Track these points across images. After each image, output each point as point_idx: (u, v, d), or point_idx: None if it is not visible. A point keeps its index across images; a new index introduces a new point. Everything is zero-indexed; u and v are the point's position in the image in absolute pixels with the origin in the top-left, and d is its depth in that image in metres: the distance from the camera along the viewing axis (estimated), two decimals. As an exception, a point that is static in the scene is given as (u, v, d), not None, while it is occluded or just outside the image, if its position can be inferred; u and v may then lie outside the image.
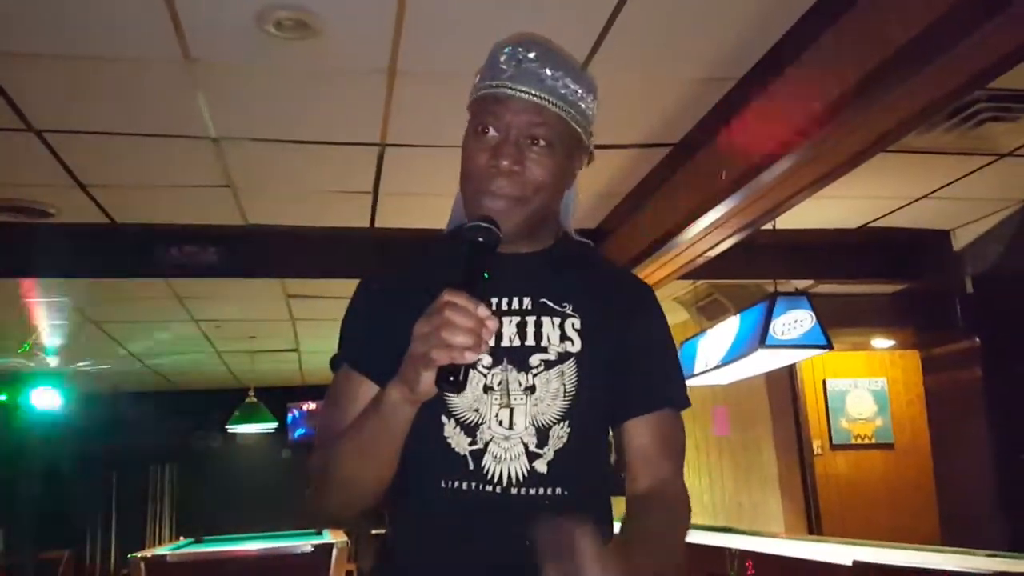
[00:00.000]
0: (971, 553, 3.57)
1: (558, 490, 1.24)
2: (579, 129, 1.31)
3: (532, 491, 1.23)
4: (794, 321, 4.24)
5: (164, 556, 5.87)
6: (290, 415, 10.38)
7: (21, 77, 2.98)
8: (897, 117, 2.67)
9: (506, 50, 1.30)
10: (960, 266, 5.28)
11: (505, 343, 1.27)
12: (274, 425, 8.87)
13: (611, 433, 1.38)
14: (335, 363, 1.36)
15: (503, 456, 1.24)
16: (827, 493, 6.46)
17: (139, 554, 5.86)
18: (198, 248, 4.60)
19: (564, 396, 1.27)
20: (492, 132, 1.27)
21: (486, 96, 1.29)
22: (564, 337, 1.29)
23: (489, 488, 1.23)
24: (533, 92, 1.26)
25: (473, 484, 1.23)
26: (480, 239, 1.17)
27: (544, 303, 1.30)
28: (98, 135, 3.46)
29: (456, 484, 1.24)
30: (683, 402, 1.40)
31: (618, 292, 1.41)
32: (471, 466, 1.24)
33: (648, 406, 1.34)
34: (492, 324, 1.06)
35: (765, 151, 3.06)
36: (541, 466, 1.24)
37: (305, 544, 6.26)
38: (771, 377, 6.16)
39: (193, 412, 10.09)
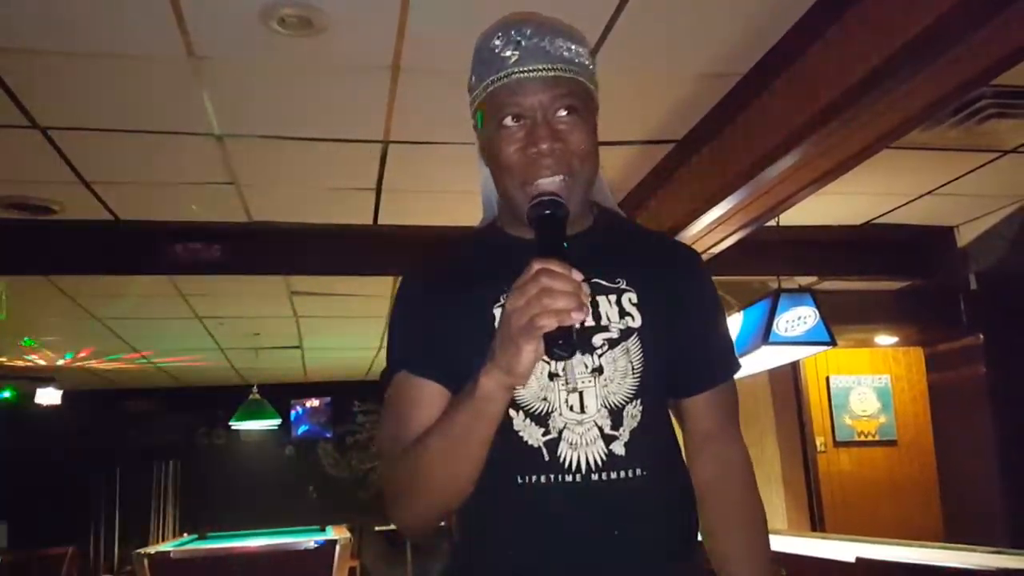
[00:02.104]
0: (975, 550, 3.56)
1: (638, 471, 1.22)
2: (592, 88, 1.30)
3: (613, 475, 1.20)
4: (798, 318, 4.23)
5: (168, 552, 5.89)
6: (293, 412, 10.39)
7: (26, 74, 2.98)
8: (902, 113, 2.67)
9: (498, 37, 1.27)
10: (964, 263, 5.27)
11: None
12: (277, 422, 8.88)
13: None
14: (387, 373, 1.31)
15: (579, 442, 1.21)
16: (830, 490, 6.46)
17: (143, 550, 5.88)
18: (202, 245, 4.60)
19: (633, 373, 1.25)
20: (516, 119, 1.24)
21: (498, 89, 1.25)
22: (623, 313, 1.27)
23: (568, 478, 1.20)
24: (546, 67, 1.24)
25: (551, 476, 1.20)
26: (549, 212, 1.15)
27: (597, 283, 1.27)
28: (102, 132, 3.46)
29: (534, 479, 1.20)
30: (736, 366, 1.42)
31: (668, 260, 1.40)
32: (546, 457, 1.20)
33: (708, 382, 1.36)
34: (587, 288, 1.04)
35: (769, 147, 3.06)
36: (619, 448, 1.21)
37: (309, 540, 6.27)
38: (774, 374, 6.15)
39: (197, 409, 10.11)
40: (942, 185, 4.50)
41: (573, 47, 1.27)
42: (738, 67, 3.11)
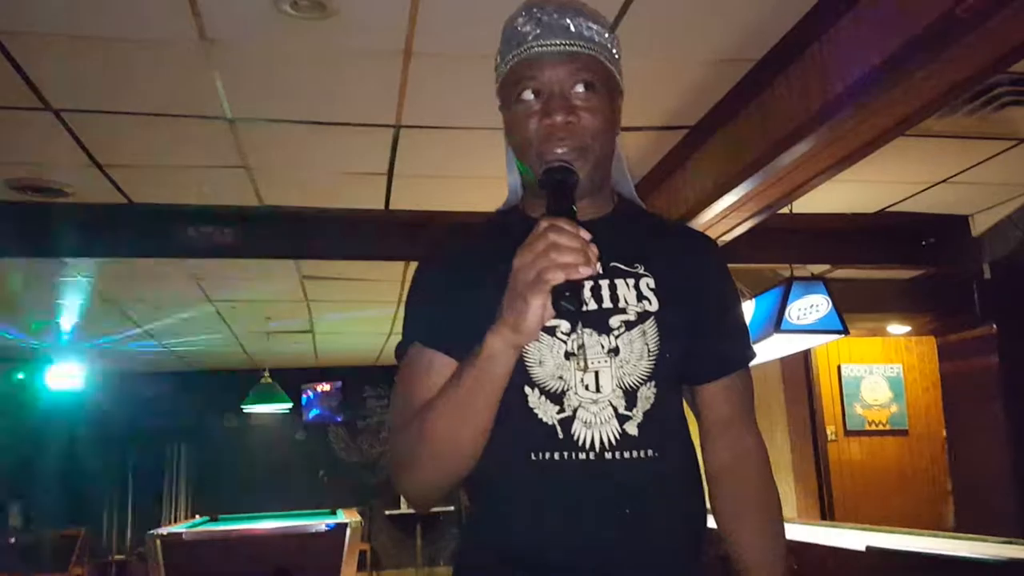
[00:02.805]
0: (985, 540, 3.56)
1: (650, 452, 1.23)
2: (613, 69, 1.31)
3: (626, 454, 1.21)
4: (810, 306, 4.22)
5: (180, 534, 5.93)
6: (304, 396, 10.43)
7: (39, 56, 2.99)
8: (917, 101, 2.65)
9: (521, 16, 1.29)
10: (978, 252, 5.23)
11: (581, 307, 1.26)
12: (289, 406, 8.90)
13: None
14: (402, 347, 1.33)
15: (593, 421, 1.22)
16: (840, 479, 6.45)
17: (155, 531, 5.92)
18: (214, 228, 4.62)
19: (648, 356, 1.26)
20: (535, 94, 1.26)
21: (517, 64, 1.27)
22: (641, 297, 1.28)
23: (582, 456, 1.21)
24: (564, 42, 1.25)
25: (565, 453, 1.21)
26: (559, 177, 1.18)
27: (616, 267, 1.29)
28: (115, 115, 3.47)
29: (547, 455, 1.21)
30: (752, 355, 1.43)
31: (686, 248, 1.41)
32: (560, 435, 1.22)
33: (724, 370, 1.37)
34: (594, 248, 1.06)
35: (783, 134, 3.04)
36: (632, 428, 1.23)
37: (319, 523, 6.31)
38: (786, 362, 6.14)
39: (208, 392, 10.15)
40: (957, 173, 4.46)
41: (595, 27, 1.28)
42: (752, 53, 3.09)
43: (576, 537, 1.20)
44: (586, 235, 1.06)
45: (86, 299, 6.38)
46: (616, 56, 1.33)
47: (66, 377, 8.61)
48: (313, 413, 10.52)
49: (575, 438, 1.21)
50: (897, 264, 5.62)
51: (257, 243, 4.75)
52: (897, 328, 6.75)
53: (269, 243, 4.81)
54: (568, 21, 1.26)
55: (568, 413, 1.22)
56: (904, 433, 6.70)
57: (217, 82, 3.20)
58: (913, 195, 4.79)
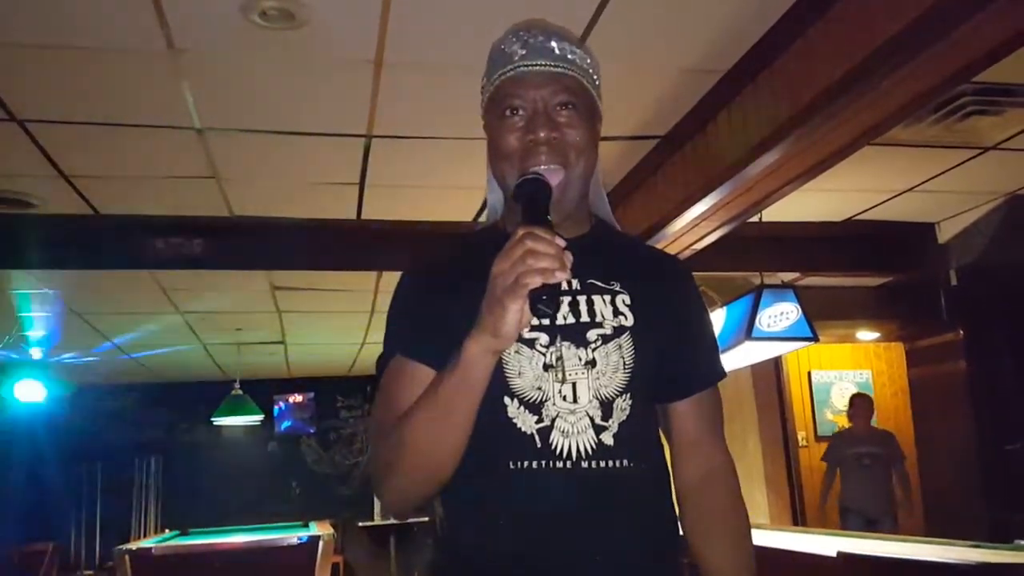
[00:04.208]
0: (954, 544, 3.60)
1: (624, 462, 1.26)
2: (594, 93, 1.37)
3: (602, 463, 1.25)
4: (780, 313, 4.25)
5: (149, 549, 5.85)
6: (276, 408, 10.34)
7: (3, 66, 2.94)
8: (883, 110, 2.68)
9: (508, 38, 1.35)
10: (945, 259, 5.31)
11: (560, 321, 1.29)
12: (260, 417, 8.83)
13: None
14: (383, 360, 1.35)
15: (570, 431, 1.25)
16: (812, 484, 6.50)
17: (124, 547, 5.83)
18: (183, 240, 4.57)
19: (624, 368, 1.29)
20: (519, 112, 1.31)
21: (503, 82, 1.33)
22: (617, 312, 1.32)
23: (559, 464, 1.24)
24: (549, 63, 1.31)
25: (543, 462, 1.24)
26: (532, 189, 1.22)
27: (592, 283, 1.33)
28: (81, 125, 3.43)
29: (525, 464, 1.24)
30: (722, 374, 1.46)
31: (659, 269, 1.45)
32: (539, 444, 1.24)
33: (693, 388, 1.40)
34: (569, 255, 1.09)
35: (752, 143, 3.06)
36: (608, 438, 1.26)
37: (292, 536, 6.24)
38: (757, 369, 6.18)
39: (178, 404, 10.03)
40: (923, 181, 4.53)
41: (579, 52, 1.34)
42: (721, 63, 3.12)
43: (553, 543, 1.23)
44: (561, 242, 1.09)
45: (52, 311, 6.30)
46: (596, 82, 1.38)
47: (32, 390, 8.48)
48: (285, 424, 10.44)
49: (553, 447, 1.24)
50: (865, 271, 5.69)
51: (227, 254, 4.71)
52: (866, 334, 6.83)
53: (239, 254, 4.76)
54: (553, 44, 1.32)
55: (546, 423, 1.25)
56: (874, 438, 6.75)
57: (186, 92, 3.17)
58: (880, 203, 4.85)
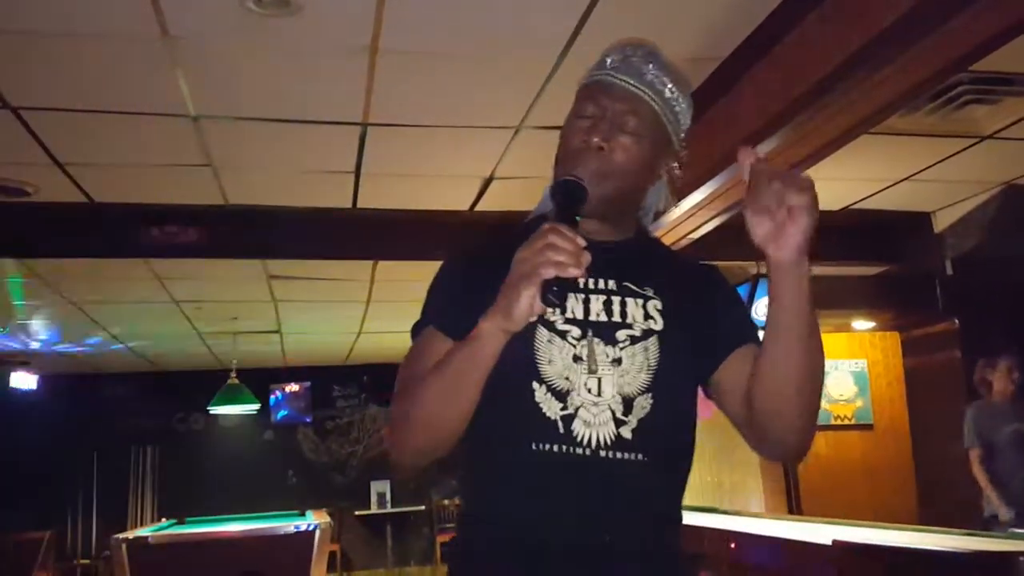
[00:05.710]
0: (949, 532, 3.61)
1: (640, 456, 1.32)
2: (670, 128, 1.43)
3: (618, 455, 1.31)
4: (776, 303, 4.24)
5: (146, 537, 5.86)
6: (272, 397, 10.34)
7: (-4, 53, 2.94)
8: (880, 99, 2.68)
9: (616, 47, 1.43)
10: (940, 248, 5.31)
11: (592, 317, 1.36)
12: (256, 406, 8.83)
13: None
14: (417, 328, 1.44)
15: (592, 421, 1.32)
16: (807, 474, 6.51)
17: (121, 535, 5.84)
18: (178, 228, 4.56)
19: (647, 370, 1.35)
20: (589, 116, 1.39)
21: (590, 84, 1.42)
22: (647, 316, 1.39)
23: (579, 450, 1.30)
24: (632, 82, 1.39)
25: (563, 447, 1.30)
26: (568, 189, 1.29)
27: (627, 286, 1.40)
28: (76, 113, 3.41)
29: (547, 447, 1.31)
30: (758, 340, 1.46)
31: (693, 279, 1.52)
32: (561, 429, 1.31)
33: (741, 340, 1.43)
34: (587, 255, 1.18)
35: (748, 132, 3.06)
36: (626, 432, 1.32)
37: (288, 525, 6.26)
38: (753, 358, 6.18)
39: (175, 393, 10.04)
40: (919, 171, 4.52)
41: (671, 87, 1.42)
42: (717, 52, 3.11)
43: (565, 522, 1.30)
44: (582, 242, 1.18)
45: (48, 300, 6.28)
46: (681, 120, 1.44)
47: (30, 379, 8.48)
48: (282, 414, 10.44)
49: (574, 434, 1.31)
50: (861, 261, 5.68)
51: (222, 243, 4.70)
52: (862, 324, 6.83)
53: (235, 243, 4.76)
54: (647, 68, 1.41)
55: (571, 411, 1.32)
56: (869, 428, 6.77)
57: (180, 80, 3.16)
58: (876, 192, 4.85)
